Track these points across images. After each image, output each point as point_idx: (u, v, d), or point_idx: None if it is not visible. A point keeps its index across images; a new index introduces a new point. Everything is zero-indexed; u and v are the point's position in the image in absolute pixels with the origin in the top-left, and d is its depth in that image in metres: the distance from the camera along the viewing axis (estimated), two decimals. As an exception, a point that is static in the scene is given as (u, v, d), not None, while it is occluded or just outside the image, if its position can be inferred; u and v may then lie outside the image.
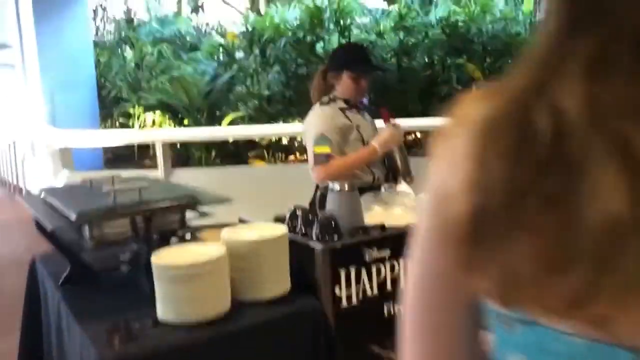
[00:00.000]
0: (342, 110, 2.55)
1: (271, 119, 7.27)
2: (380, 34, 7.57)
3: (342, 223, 1.73)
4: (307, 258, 1.63)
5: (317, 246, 1.63)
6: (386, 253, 1.72)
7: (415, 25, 7.70)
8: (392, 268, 1.73)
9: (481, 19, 7.58)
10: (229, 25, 10.10)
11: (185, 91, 6.99)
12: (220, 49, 8.11)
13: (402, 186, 2.34)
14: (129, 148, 8.14)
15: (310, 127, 2.52)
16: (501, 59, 7.40)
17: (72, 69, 6.97)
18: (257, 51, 7.56)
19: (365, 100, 2.85)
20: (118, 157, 8.81)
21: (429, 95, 7.57)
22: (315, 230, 1.69)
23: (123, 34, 9.85)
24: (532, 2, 7.82)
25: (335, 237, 1.68)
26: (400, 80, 7.81)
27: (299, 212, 1.81)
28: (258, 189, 5.83)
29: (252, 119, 7.30)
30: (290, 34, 7.45)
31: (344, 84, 2.54)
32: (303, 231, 1.75)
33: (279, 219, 1.87)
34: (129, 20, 10.39)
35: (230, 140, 7.19)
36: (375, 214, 1.96)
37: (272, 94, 7.33)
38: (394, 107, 7.99)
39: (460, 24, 7.46)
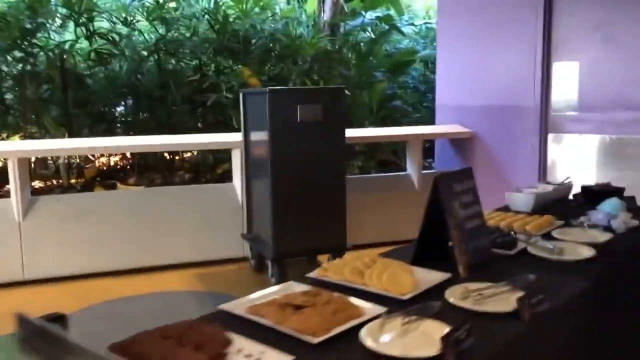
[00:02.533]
0: None
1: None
2: (129, 24, 5.88)
3: None
4: None
5: None
6: None
7: (179, 18, 6.18)
8: None
9: (257, 16, 6.32)
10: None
11: None
12: None
13: None
14: None
15: None
16: (281, 63, 6.22)
17: None
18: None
19: None
20: None
21: (194, 105, 6.10)
22: None
23: None
24: (316, 1, 6.80)
25: None
26: (162, 85, 6.22)
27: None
28: None
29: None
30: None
31: None
32: None
33: None
34: None
35: None
36: None
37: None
38: (152, 121, 6.36)
39: (231, 19, 6.11)
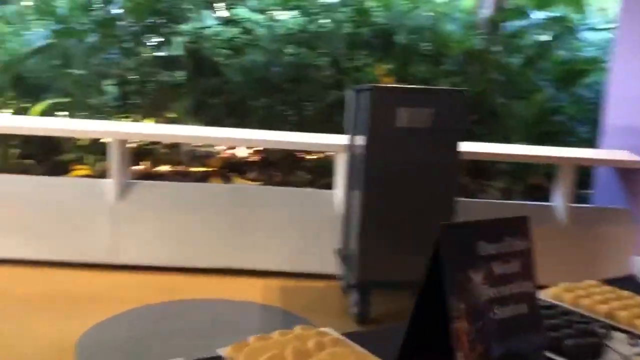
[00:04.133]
0: None
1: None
2: (264, 12, 5.64)
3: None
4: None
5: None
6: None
7: (318, 10, 5.81)
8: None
9: (401, 8, 5.70)
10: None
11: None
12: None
13: None
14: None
15: None
16: (423, 63, 5.52)
17: None
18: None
19: None
20: None
21: (324, 102, 5.69)
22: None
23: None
24: (476, -5, 5.98)
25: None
26: (295, 79, 5.91)
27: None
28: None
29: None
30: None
31: None
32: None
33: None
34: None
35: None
36: None
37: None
38: (280, 116, 6.05)
39: (372, 9, 5.57)
